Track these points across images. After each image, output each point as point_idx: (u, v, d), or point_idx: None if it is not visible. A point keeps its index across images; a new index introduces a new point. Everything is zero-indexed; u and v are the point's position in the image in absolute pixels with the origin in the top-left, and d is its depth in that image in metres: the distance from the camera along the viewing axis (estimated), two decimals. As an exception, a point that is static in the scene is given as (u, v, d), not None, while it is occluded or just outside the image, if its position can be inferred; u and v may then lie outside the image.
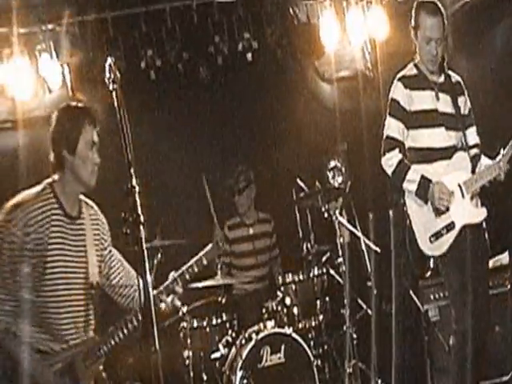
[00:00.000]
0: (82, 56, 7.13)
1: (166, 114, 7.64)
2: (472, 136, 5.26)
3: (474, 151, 5.24)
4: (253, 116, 7.86)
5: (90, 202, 4.40)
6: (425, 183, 5.07)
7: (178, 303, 4.34)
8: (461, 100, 5.25)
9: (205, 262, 4.44)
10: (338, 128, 7.58)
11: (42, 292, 4.02)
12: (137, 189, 3.55)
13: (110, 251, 4.42)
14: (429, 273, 6.17)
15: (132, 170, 3.56)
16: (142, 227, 3.52)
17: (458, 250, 5.03)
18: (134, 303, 4.35)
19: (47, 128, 7.55)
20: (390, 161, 5.17)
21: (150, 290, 3.48)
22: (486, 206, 5.15)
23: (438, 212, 5.07)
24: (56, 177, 4.23)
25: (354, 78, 8.06)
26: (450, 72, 5.31)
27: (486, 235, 5.14)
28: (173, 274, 4.37)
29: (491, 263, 5.71)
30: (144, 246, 3.48)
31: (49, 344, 4.02)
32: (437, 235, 5.07)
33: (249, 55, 7.53)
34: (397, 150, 5.15)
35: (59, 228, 4.13)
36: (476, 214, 5.11)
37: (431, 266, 5.27)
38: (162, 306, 4.27)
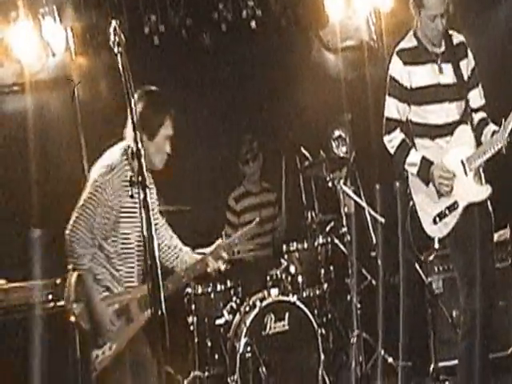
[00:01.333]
0: (85, 20, 7.10)
1: (168, 80, 7.56)
2: (476, 98, 5.11)
3: (479, 116, 5.11)
4: (256, 84, 7.79)
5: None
6: (425, 166, 5.00)
7: (223, 267, 4.74)
8: (463, 63, 5.08)
9: (247, 236, 4.96)
10: (342, 98, 7.53)
11: (113, 243, 4.44)
12: (142, 152, 3.55)
13: (157, 214, 4.74)
14: (433, 255, 6.15)
15: (138, 134, 3.55)
16: (147, 190, 3.51)
17: (463, 229, 4.96)
18: (177, 262, 4.75)
19: (52, 91, 7.52)
20: (391, 143, 5.14)
21: (156, 254, 3.50)
22: (489, 180, 5.03)
23: (441, 193, 5.01)
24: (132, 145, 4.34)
25: (358, 48, 8.01)
26: (452, 32, 5.11)
27: (491, 210, 5.02)
28: (220, 241, 4.74)
29: (495, 237, 5.53)
30: (150, 209, 3.47)
31: (112, 283, 4.43)
32: (440, 216, 5.00)
33: (253, 23, 7.49)
34: (397, 131, 5.11)
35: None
36: (480, 191, 4.98)
37: (436, 246, 5.17)
38: (209, 269, 4.71)
